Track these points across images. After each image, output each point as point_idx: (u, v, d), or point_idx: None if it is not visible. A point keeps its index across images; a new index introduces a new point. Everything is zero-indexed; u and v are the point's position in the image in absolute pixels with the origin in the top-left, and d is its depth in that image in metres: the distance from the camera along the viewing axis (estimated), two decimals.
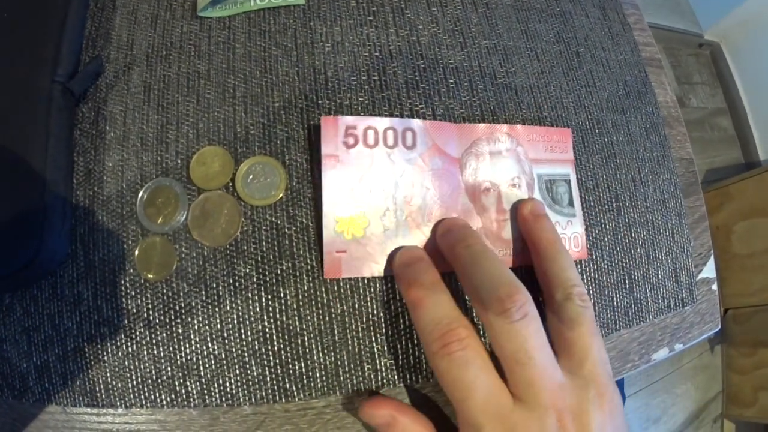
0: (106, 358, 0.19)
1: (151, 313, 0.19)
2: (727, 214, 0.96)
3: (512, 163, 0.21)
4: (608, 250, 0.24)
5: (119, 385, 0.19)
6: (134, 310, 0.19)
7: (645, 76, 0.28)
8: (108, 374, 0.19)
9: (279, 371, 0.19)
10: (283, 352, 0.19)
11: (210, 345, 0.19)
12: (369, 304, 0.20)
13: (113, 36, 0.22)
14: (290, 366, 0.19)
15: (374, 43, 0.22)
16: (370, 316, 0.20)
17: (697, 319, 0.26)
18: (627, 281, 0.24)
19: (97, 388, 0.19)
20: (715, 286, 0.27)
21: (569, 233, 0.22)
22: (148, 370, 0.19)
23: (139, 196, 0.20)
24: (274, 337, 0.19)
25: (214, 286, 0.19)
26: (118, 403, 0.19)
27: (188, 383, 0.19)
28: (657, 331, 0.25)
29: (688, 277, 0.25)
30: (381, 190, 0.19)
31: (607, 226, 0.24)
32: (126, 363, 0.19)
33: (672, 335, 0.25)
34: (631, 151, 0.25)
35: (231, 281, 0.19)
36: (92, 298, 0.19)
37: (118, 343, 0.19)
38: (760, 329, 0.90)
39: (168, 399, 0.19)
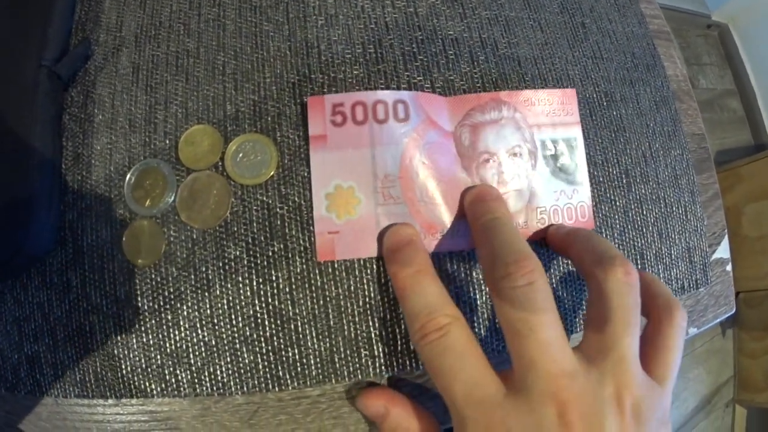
0: (95, 347, 0.18)
1: (139, 299, 0.18)
2: (737, 196, 0.90)
3: (511, 131, 0.19)
4: (619, 228, 0.21)
5: (109, 375, 0.17)
6: (123, 297, 0.18)
7: (653, 48, 0.25)
8: (98, 364, 0.18)
9: (271, 358, 0.17)
10: (275, 338, 0.17)
11: (200, 332, 0.17)
12: (365, 286, 0.18)
13: (102, 18, 0.20)
14: (283, 353, 0.17)
15: (369, 15, 0.20)
16: (367, 300, 0.18)
17: (711, 302, 0.23)
18: (639, 261, 0.21)
19: (87, 379, 0.18)
20: (729, 267, 0.24)
21: (575, 202, 0.20)
22: (137, 358, 0.17)
23: (127, 178, 0.18)
24: (266, 323, 0.17)
25: (204, 270, 0.17)
26: (108, 394, 0.17)
27: (178, 372, 0.17)
28: None
29: (702, 258, 0.23)
30: (373, 167, 0.17)
31: (618, 203, 0.21)
32: (115, 352, 0.18)
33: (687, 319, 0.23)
34: (641, 125, 0.23)
35: (221, 264, 0.17)
36: (81, 285, 0.18)
37: (107, 332, 0.18)
38: None
39: (158, 388, 0.17)
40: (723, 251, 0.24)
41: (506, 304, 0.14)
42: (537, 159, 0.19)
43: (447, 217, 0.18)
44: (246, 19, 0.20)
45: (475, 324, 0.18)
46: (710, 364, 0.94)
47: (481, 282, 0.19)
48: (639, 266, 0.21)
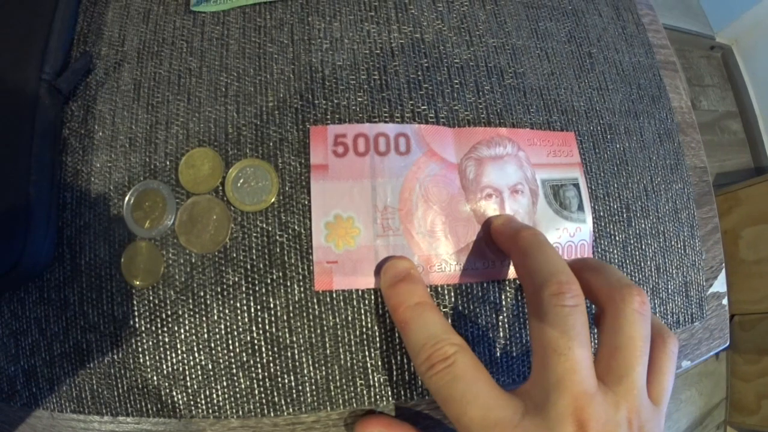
0: (92, 364, 0.17)
1: (137, 320, 0.17)
2: (735, 219, 0.88)
3: (514, 169, 0.18)
4: (617, 263, 0.20)
5: (105, 392, 0.17)
6: (120, 317, 0.17)
7: (659, 79, 0.24)
8: (94, 381, 0.17)
9: (268, 384, 0.17)
10: (272, 364, 0.17)
11: (197, 355, 0.17)
12: (363, 316, 0.17)
13: (105, 32, 0.19)
14: (279, 379, 0.17)
15: (375, 40, 0.19)
16: (364, 330, 0.17)
17: (705, 335, 0.23)
18: None
19: (83, 395, 0.17)
20: (725, 301, 0.24)
21: (576, 240, 0.19)
22: (134, 378, 0.17)
23: (126, 199, 0.17)
24: (263, 349, 0.17)
25: (202, 294, 0.17)
26: (104, 411, 0.17)
27: (174, 393, 0.17)
28: None
29: (699, 292, 0.22)
30: (373, 199, 0.17)
31: (617, 238, 0.21)
32: (112, 370, 0.17)
33: (680, 352, 0.22)
34: (644, 159, 0.22)
35: (219, 290, 0.17)
36: (78, 303, 0.17)
37: (104, 350, 0.17)
38: (767, 337, 0.82)
39: (154, 408, 0.17)
40: (720, 285, 0.23)
41: (548, 320, 0.14)
42: (538, 198, 0.19)
43: (446, 251, 0.17)
44: (250, 39, 0.19)
45: (477, 357, 0.18)
46: (703, 385, 0.92)
47: (480, 314, 0.18)
48: None
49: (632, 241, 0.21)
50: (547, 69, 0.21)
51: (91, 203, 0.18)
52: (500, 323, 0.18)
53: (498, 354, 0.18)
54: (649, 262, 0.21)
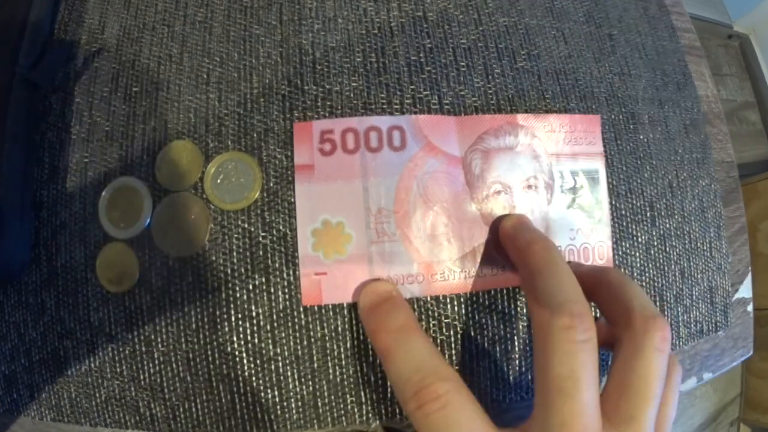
0: (70, 372, 0.14)
1: (113, 327, 0.14)
2: (753, 211, 0.75)
3: (527, 160, 0.14)
4: (639, 267, 0.16)
5: (84, 402, 0.14)
6: (96, 324, 0.14)
7: (685, 65, 0.19)
8: (72, 390, 0.14)
9: (250, 399, 0.14)
10: (254, 378, 0.14)
11: (174, 366, 0.14)
12: (354, 328, 0.14)
13: (86, 19, 0.16)
14: (262, 394, 0.14)
15: (372, 19, 0.15)
16: (355, 342, 0.14)
17: (729, 345, 0.19)
18: (658, 302, 0.17)
19: (62, 403, 0.14)
20: (750, 307, 0.19)
21: (593, 241, 0.15)
22: (111, 388, 0.14)
23: (102, 197, 0.14)
24: (245, 361, 0.14)
25: (179, 300, 0.14)
26: (83, 421, 0.14)
27: (152, 406, 0.14)
28: (686, 359, 0.17)
29: (724, 298, 0.18)
30: (365, 201, 0.13)
31: (640, 239, 0.16)
32: (89, 379, 0.14)
33: (702, 363, 0.18)
34: (669, 152, 0.18)
35: (197, 296, 0.14)
36: (55, 308, 0.14)
37: (81, 358, 0.14)
38: None
39: (133, 420, 0.14)
40: (746, 290, 0.19)
41: (556, 356, 0.11)
42: (553, 193, 0.15)
43: (449, 257, 0.13)
44: (235, 21, 0.15)
45: (476, 371, 0.14)
46: (718, 381, 0.82)
47: (486, 325, 0.14)
48: (658, 308, 0.17)
49: (656, 243, 0.17)
50: (564, 51, 0.17)
51: (67, 202, 0.15)
52: (508, 335, 0.15)
53: (504, 368, 0.15)
54: (673, 266, 0.17)
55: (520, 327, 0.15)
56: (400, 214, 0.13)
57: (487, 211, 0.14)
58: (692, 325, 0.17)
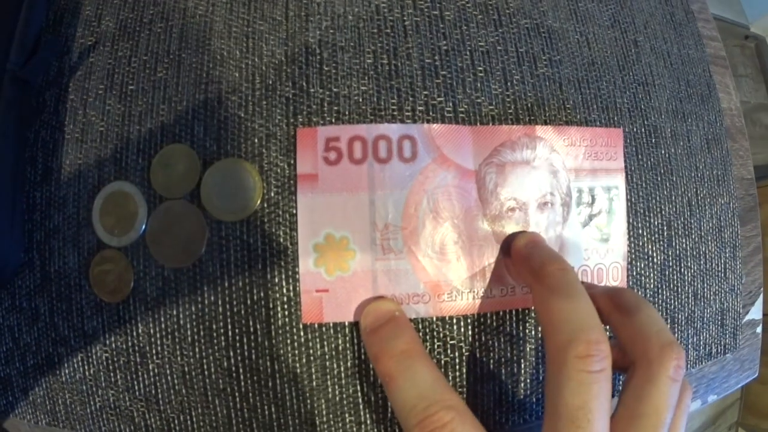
0: (64, 378, 0.13)
1: (107, 336, 0.12)
2: (763, 215, 0.71)
3: (544, 176, 0.12)
4: (652, 288, 0.14)
5: (78, 408, 0.13)
6: (90, 332, 0.13)
7: (709, 76, 0.17)
8: (67, 396, 0.13)
9: (247, 415, 0.12)
10: (251, 394, 0.12)
11: (170, 378, 0.12)
12: (355, 346, 0.12)
13: (82, 10, 0.14)
14: (259, 410, 0.12)
15: (385, 17, 0.13)
16: (356, 361, 0.12)
17: (736, 367, 0.17)
18: (670, 325, 0.15)
19: (57, 409, 0.13)
20: (759, 329, 0.17)
21: (607, 262, 0.13)
22: (106, 397, 0.13)
23: (95, 202, 0.12)
24: (242, 377, 0.12)
25: (175, 313, 0.12)
26: (78, 427, 0.13)
27: (147, 416, 0.12)
28: (693, 381, 0.16)
29: (735, 320, 0.16)
30: (371, 215, 0.11)
31: (655, 260, 0.14)
32: (84, 387, 0.13)
33: (707, 386, 0.16)
34: (690, 168, 0.16)
35: (193, 309, 0.12)
36: (49, 314, 0.13)
37: (76, 365, 0.13)
38: None
39: (127, 430, 0.12)
40: (756, 312, 0.17)
41: (569, 386, 0.10)
42: (570, 211, 0.13)
43: (458, 276, 0.12)
44: (237, 15, 0.13)
45: (479, 393, 0.13)
46: None
47: (492, 347, 0.13)
48: None
49: (671, 263, 0.15)
50: (588, 57, 0.14)
51: (60, 205, 0.13)
52: (514, 357, 0.13)
53: (510, 390, 0.13)
54: (687, 287, 0.15)
55: (527, 349, 0.13)
56: (408, 230, 0.11)
57: (500, 228, 0.12)
58: (701, 348, 0.15)
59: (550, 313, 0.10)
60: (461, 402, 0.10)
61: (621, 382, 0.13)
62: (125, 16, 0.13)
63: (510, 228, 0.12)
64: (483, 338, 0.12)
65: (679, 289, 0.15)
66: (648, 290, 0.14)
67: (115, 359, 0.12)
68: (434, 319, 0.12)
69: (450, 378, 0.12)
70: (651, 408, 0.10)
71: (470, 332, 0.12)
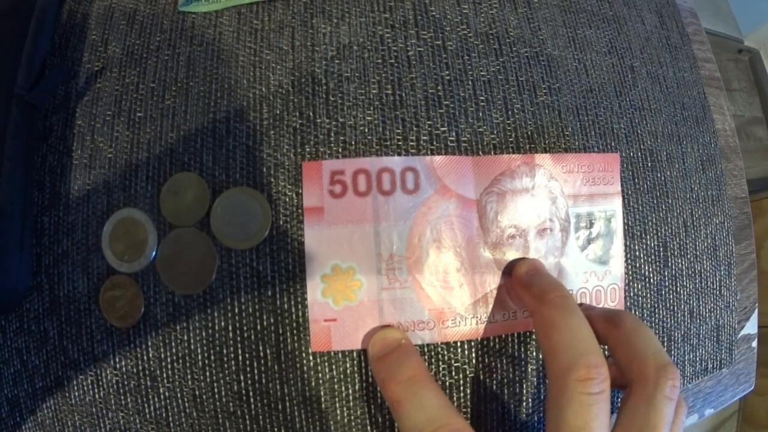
0: (74, 401, 0.13)
1: (118, 360, 0.13)
2: (758, 229, 0.68)
3: (543, 203, 0.13)
4: (649, 308, 0.15)
5: (88, 430, 0.13)
6: (100, 356, 0.13)
7: (704, 97, 0.18)
8: (76, 418, 0.13)
9: None
10: (261, 417, 0.13)
11: (180, 402, 0.13)
12: (362, 370, 0.13)
13: (88, 35, 0.14)
14: None
15: (389, 47, 0.14)
16: (364, 384, 0.13)
17: (731, 381, 0.18)
18: (666, 343, 0.16)
19: (66, 431, 0.14)
20: (755, 343, 0.18)
21: (605, 284, 0.14)
22: (116, 419, 0.13)
23: (105, 228, 0.13)
24: (251, 400, 0.13)
25: (185, 338, 0.13)
26: None
27: None
28: (689, 396, 0.17)
29: (730, 336, 0.17)
30: (376, 246, 0.12)
31: (652, 280, 0.15)
32: (94, 409, 0.13)
33: (704, 400, 0.17)
34: (685, 189, 0.17)
35: (204, 335, 0.13)
36: (58, 337, 0.13)
37: (85, 388, 0.13)
38: None
39: None
40: (751, 326, 0.18)
41: (570, 409, 0.11)
42: (569, 236, 0.13)
43: (461, 303, 0.12)
44: (244, 44, 0.14)
45: (483, 413, 0.13)
46: None
47: (495, 369, 0.13)
48: (665, 348, 0.16)
49: (667, 283, 0.16)
50: (585, 84, 0.15)
51: (69, 230, 0.13)
52: (517, 378, 0.14)
53: (512, 411, 0.14)
54: (682, 306, 0.16)
55: (529, 370, 0.14)
56: (412, 260, 0.12)
57: (501, 255, 0.13)
58: (697, 364, 0.16)
59: (551, 338, 0.11)
60: (466, 425, 0.11)
61: (619, 399, 0.13)
62: (132, 42, 0.14)
63: (511, 255, 0.13)
64: (486, 360, 0.13)
65: (675, 308, 0.16)
66: (645, 310, 0.15)
67: (126, 382, 0.13)
68: (439, 342, 0.13)
69: (455, 399, 0.13)
70: (648, 426, 0.11)
71: (474, 355, 0.13)
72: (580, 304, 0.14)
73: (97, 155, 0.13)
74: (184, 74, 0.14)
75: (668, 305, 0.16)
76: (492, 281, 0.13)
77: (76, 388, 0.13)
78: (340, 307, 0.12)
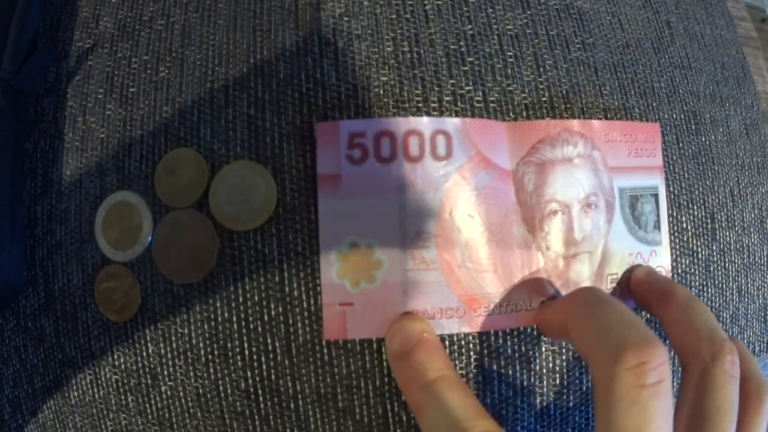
0: (74, 401, 0.11)
1: (116, 357, 0.11)
2: None
3: (587, 174, 0.10)
4: (698, 286, 0.12)
5: None
6: (98, 353, 0.11)
7: (743, 58, 0.15)
8: (77, 419, 0.11)
9: None
10: (272, 416, 0.10)
11: (183, 400, 0.10)
12: (384, 363, 0.10)
13: (79, 12, 0.12)
14: None
15: (404, 2, 0.11)
16: (385, 379, 0.10)
17: None
18: None
19: None
20: None
21: (652, 266, 0.11)
22: (118, 420, 0.11)
23: (98, 214, 0.11)
24: (260, 398, 0.10)
25: (186, 332, 0.10)
26: None
27: None
28: None
29: None
30: (400, 221, 0.09)
31: (700, 255, 0.12)
32: (94, 410, 0.11)
33: None
34: (731, 155, 0.13)
35: (206, 327, 0.10)
36: (54, 334, 0.11)
37: (85, 387, 0.11)
38: None
39: None
40: None
41: (621, 407, 0.08)
42: (614, 213, 0.10)
43: (495, 288, 0.09)
44: (243, 6, 0.11)
45: (520, 408, 0.11)
46: None
47: (533, 358, 0.11)
48: None
49: (715, 259, 0.13)
50: (621, 40, 0.12)
51: (62, 219, 0.11)
52: (557, 368, 0.11)
53: (552, 404, 0.11)
54: (731, 283, 0.13)
55: (570, 358, 0.11)
56: (442, 238, 0.09)
57: (542, 233, 0.10)
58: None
59: (582, 331, 0.09)
60: (495, 426, 0.08)
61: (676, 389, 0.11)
62: (124, 15, 0.12)
63: (553, 231, 0.10)
64: (523, 348, 0.10)
65: (724, 286, 0.13)
66: (694, 288, 0.12)
67: (126, 381, 0.10)
68: (469, 332, 0.10)
69: (488, 393, 0.10)
70: (712, 407, 0.09)
71: (508, 342, 0.10)
72: (637, 267, 0.11)
73: (89, 137, 0.11)
74: (179, 43, 0.11)
75: (717, 283, 0.13)
76: (529, 264, 0.10)
77: (75, 387, 0.11)
78: (357, 290, 0.09)
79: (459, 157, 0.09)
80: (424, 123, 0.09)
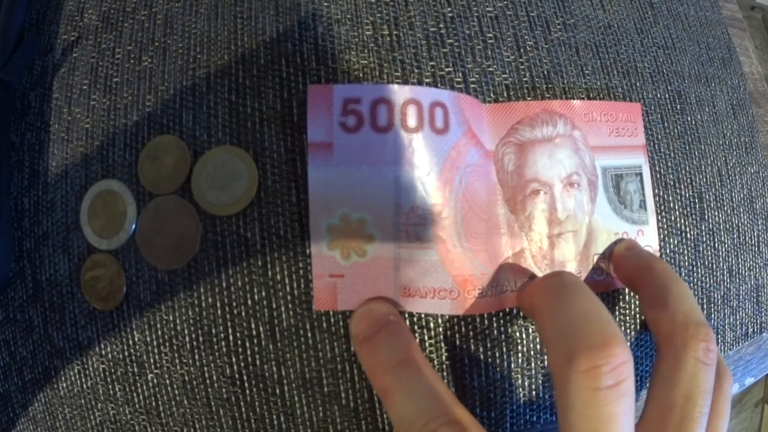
0: (63, 392, 0.11)
1: (103, 346, 0.11)
2: None
3: (568, 154, 0.10)
4: (687, 267, 0.12)
5: (79, 423, 0.11)
6: (85, 342, 0.11)
7: (729, 38, 0.14)
8: (66, 410, 0.11)
9: (254, 426, 0.10)
10: (257, 403, 0.10)
11: (170, 389, 0.10)
12: None
13: (64, 5, 0.12)
14: (268, 420, 0.10)
15: None
16: None
17: None
18: (705, 305, 0.12)
19: (58, 425, 0.11)
20: None
21: (642, 245, 0.11)
22: (106, 410, 0.11)
23: (83, 203, 0.11)
24: (246, 385, 0.10)
25: (171, 318, 0.10)
26: None
27: (150, 430, 0.11)
28: (730, 364, 0.13)
29: None
30: (395, 194, 0.09)
31: (689, 235, 0.12)
32: (83, 401, 0.11)
33: (744, 368, 0.14)
34: (717, 135, 0.13)
35: (190, 313, 0.10)
36: (42, 325, 0.11)
37: (73, 378, 0.11)
38: None
39: None
40: None
41: (575, 409, 0.07)
42: (597, 191, 0.10)
43: (487, 269, 0.09)
44: None
45: (519, 398, 0.10)
46: None
47: (520, 340, 0.10)
48: (705, 311, 0.13)
49: (705, 239, 0.12)
50: (603, 20, 0.12)
51: (48, 209, 0.11)
52: (545, 350, 0.11)
53: (541, 387, 0.11)
54: (721, 264, 0.13)
55: None
56: (437, 215, 0.09)
57: (524, 214, 0.10)
58: (738, 328, 0.13)
59: (546, 328, 0.08)
60: (467, 414, 0.08)
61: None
62: (108, 7, 0.11)
63: (535, 211, 0.10)
64: (509, 330, 0.10)
65: (714, 266, 0.12)
66: (683, 269, 0.12)
67: (113, 370, 0.10)
68: (461, 314, 0.10)
69: (475, 375, 0.10)
70: (681, 397, 0.08)
71: (495, 324, 0.10)
72: (620, 240, 0.10)
73: (74, 127, 0.11)
74: (161, 33, 0.11)
75: (707, 263, 0.12)
76: (512, 244, 0.10)
77: (63, 378, 0.11)
78: (348, 263, 0.09)
79: (456, 131, 0.09)
80: (423, 93, 0.09)
